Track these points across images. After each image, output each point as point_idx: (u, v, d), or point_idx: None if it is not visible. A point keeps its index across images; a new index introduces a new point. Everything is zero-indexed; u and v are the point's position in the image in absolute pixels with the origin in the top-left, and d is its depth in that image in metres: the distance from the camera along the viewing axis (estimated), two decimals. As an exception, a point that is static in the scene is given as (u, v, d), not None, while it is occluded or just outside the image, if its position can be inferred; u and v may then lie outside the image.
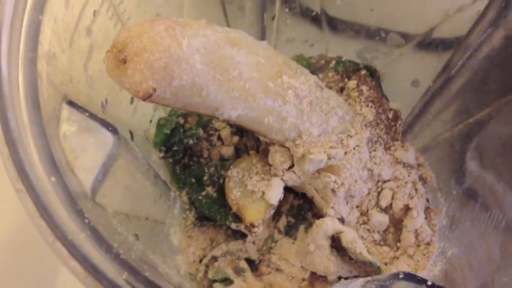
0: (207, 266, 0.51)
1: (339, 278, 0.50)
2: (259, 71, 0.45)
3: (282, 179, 0.50)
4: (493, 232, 0.48)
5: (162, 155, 0.55)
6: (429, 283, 0.35)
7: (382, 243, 0.52)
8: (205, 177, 0.53)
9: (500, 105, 0.45)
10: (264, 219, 0.48)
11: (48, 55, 0.34)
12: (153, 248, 0.41)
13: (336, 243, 0.50)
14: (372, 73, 0.59)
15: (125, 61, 0.38)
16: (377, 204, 0.52)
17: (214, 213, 0.52)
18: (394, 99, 0.57)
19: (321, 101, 0.50)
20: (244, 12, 0.53)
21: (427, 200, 0.54)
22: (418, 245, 0.51)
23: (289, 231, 0.53)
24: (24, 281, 0.58)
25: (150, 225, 0.44)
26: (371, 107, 0.55)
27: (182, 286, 0.44)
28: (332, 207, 0.50)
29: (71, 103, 0.34)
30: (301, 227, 0.53)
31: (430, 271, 0.49)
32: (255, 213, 0.49)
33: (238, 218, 0.51)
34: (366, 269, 0.50)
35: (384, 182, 0.53)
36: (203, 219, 0.54)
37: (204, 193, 0.53)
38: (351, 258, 0.50)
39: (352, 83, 0.57)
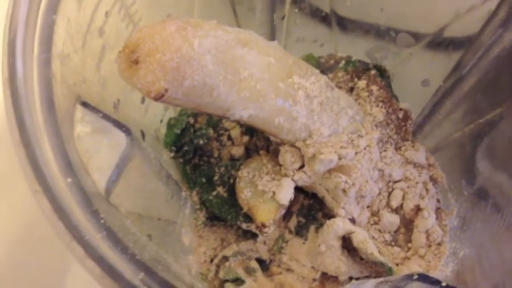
0: (218, 266, 0.51)
1: (350, 278, 0.50)
2: (269, 72, 0.45)
3: (292, 179, 0.50)
4: (505, 234, 0.47)
5: (172, 154, 0.55)
6: (443, 284, 0.35)
7: (393, 243, 0.52)
8: (216, 177, 0.53)
9: (511, 105, 0.45)
10: (274, 219, 0.48)
11: (62, 55, 0.34)
12: (165, 248, 0.41)
13: (346, 244, 0.50)
14: (382, 73, 0.59)
15: (137, 62, 0.38)
16: (388, 205, 0.52)
17: (225, 213, 0.52)
18: (404, 99, 0.57)
19: (332, 101, 0.50)
20: (254, 13, 0.53)
21: (438, 201, 0.54)
22: (429, 246, 0.51)
23: (300, 231, 0.53)
24: (33, 282, 0.58)
25: (162, 225, 0.44)
26: (381, 107, 0.55)
27: (194, 286, 0.44)
28: (343, 208, 0.50)
29: (84, 104, 0.34)
30: (312, 227, 0.53)
31: (441, 272, 0.49)
32: (266, 213, 0.49)
33: (249, 218, 0.50)
34: (377, 269, 0.50)
35: (395, 182, 0.53)
36: (214, 219, 0.54)
37: (214, 193, 0.53)
38: (361, 259, 0.50)
39: (361, 83, 0.57)
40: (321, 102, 0.49)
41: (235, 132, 0.57)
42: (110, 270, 0.28)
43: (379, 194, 0.52)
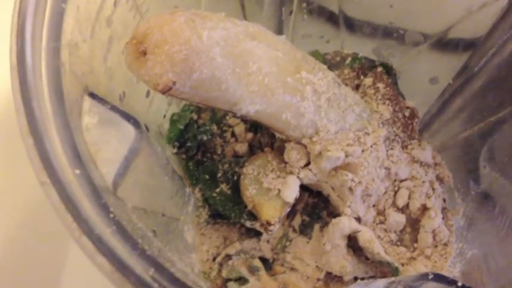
0: (220, 265, 0.50)
1: (355, 278, 0.50)
2: (278, 66, 0.44)
3: (298, 177, 0.49)
4: (510, 235, 0.47)
5: (175, 150, 0.54)
6: (459, 284, 0.35)
7: (398, 243, 0.51)
8: (219, 174, 0.52)
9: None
10: (280, 217, 0.48)
11: (70, 45, 0.33)
12: (169, 245, 0.40)
13: (352, 243, 0.49)
14: (388, 70, 0.58)
15: (144, 53, 0.37)
16: (394, 204, 0.52)
17: (229, 211, 0.51)
18: (410, 97, 0.57)
19: (339, 98, 0.49)
20: (263, 7, 0.52)
21: (444, 200, 0.54)
22: (436, 246, 0.51)
23: (304, 230, 0.52)
24: (28, 279, 0.57)
25: (166, 222, 0.43)
26: (388, 104, 0.54)
27: (198, 284, 0.43)
28: (349, 206, 0.49)
29: (92, 95, 0.33)
30: (316, 226, 0.52)
31: (449, 272, 0.48)
32: (271, 211, 0.48)
33: (253, 216, 0.50)
34: (383, 269, 0.49)
35: (401, 181, 0.52)
36: (216, 216, 0.53)
37: (218, 190, 0.52)
38: (367, 259, 0.49)
39: (368, 80, 0.56)
40: (328, 98, 0.48)
41: (239, 129, 0.56)
42: (120, 266, 0.27)
43: (385, 192, 0.52)
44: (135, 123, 0.35)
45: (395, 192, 0.52)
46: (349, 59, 0.59)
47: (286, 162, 0.50)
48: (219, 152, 0.56)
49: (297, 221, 0.53)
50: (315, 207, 0.53)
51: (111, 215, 0.28)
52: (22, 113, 0.28)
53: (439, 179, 0.54)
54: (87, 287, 0.53)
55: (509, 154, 0.49)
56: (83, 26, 0.34)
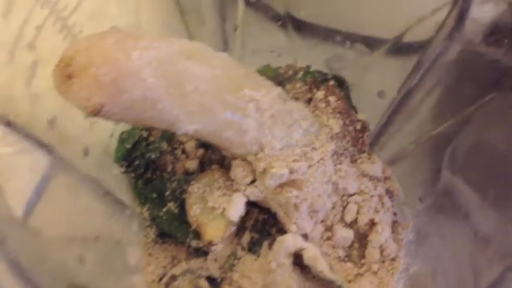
0: (167, 286, 0.50)
1: (303, 296, 0.49)
2: (216, 84, 0.44)
3: (244, 194, 0.49)
4: (463, 244, 0.47)
5: (123, 169, 0.54)
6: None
7: (346, 259, 0.50)
8: (168, 192, 0.52)
9: (463, 118, 0.44)
10: (223, 237, 0.47)
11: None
12: (104, 269, 0.39)
13: (299, 261, 0.49)
14: (341, 83, 0.58)
15: (71, 76, 0.37)
16: (342, 219, 0.51)
17: (175, 230, 0.50)
18: (362, 110, 0.56)
19: (284, 114, 0.49)
20: (204, 23, 0.52)
21: (395, 214, 0.53)
22: (383, 261, 0.50)
23: (253, 247, 0.52)
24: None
25: (102, 246, 0.42)
26: (338, 118, 0.54)
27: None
28: (295, 223, 0.49)
29: (8, 123, 0.33)
30: (265, 243, 0.51)
31: (394, 289, 0.48)
32: (215, 230, 0.47)
33: (199, 235, 0.49)
34: (330, 287, 0.49)
35: (350, 195, 0.52)
36: (164, 236, 0.52)
37: (165, 209, 0.51)
38: (314, 276, 0.49)
39: (320, 94, 0.55)
40: (272, 115, 0.48)
41: (190, 146, 0.56)
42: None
43: (333, 208, 0.51)
44: (49, 150, 0.35)
45: (344, 208, 0.51)
46: (302, 72, 0.59)
47: (233, 180, 0.49)
48: (169, 169, 0.55)
49: (246, 238, 0.52)
50: (264, 223, 0.53)
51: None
52: None
53: (389, 192, 0.54)
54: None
55: (466, 160, 0.49)
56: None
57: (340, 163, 0.52)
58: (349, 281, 0.49)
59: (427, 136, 0.49)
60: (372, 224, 0.51)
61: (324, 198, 0.49)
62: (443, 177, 0.49)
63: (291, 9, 0.56)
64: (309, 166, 0.48)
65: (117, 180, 0.51)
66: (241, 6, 0.53)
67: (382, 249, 0.50)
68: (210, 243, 0.46)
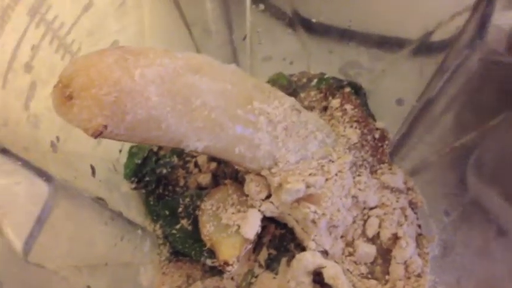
0: (181, 306, 0.48)
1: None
2: (226, 98, 0.42)
3: (259, 210, 0.47)
4: (496, 240, 0.44)
5: (133, 186, 0.52)
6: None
7: (369, 276, 0.48)
8: (180, 209, 0.50)
9: (486, 130, 0.41)
10: (239, 256, 0.45)
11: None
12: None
13: (319, 278, 0.46)
14: (357, 90, 0.55)
15: (71, 97, 0.35)
16: (363, 234, 0.49)
17: (189, 249, 0.49)
18: (381, 118, 0.54)
19: (298, 126, 0.47)
20: (211, 35, 0.50)
21: (419, 226, 0.50)
22: (409, 278, 0.47)
23: (271, 264, 0.50)
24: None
25: (111, 271, 0.41)
26: (355, 127, 0.51)
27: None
28: (313, 240, 0.47)
29: (3, 151, 0.31)
30: (283, 260, 0.49)
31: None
32: (230, 249, 0.45)
33: (214, 254, 0.47)
34: (352, 305, 0.46)
35: (370, 209, 0.49)
36: (179, 253, 0.50)
37: (178, 226, 0.49)
38: (335, 294, 0.46)
39: (335, 102, 0.53)
40: (285, 127, 0.46)
41: (202, 159, 0.54)
42: None
43: (354, 222, 0.49)
44: (49, 178, 0.33)
45: (365, 222, 0.49)
46: (316, 79, 0.56)
47: (247, 195, 0.47)
48: (181, 184, 0.53)
49: (263, 255, 0.50)
50: (282, 239, 0.51)
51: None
52: None
53: (412, 204, 0.51)
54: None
55: (493, 167, 0.46)
56: (-11, 79, 0.32)
57: (359, 175, 0.49)
58: (373, 300, 0.46)
59: (450, 147, 0.46)
60: (396, 238, 0.48)
61: (343, 213, 0.47)
62: (471, 187, 0.46)
63: (301, 11, 0.54)
64: (327, 179, 0.46)
65: (125, 198, 0.49)
66: (248, 14, 0.51)
67: (407, 265, 0.47)
68: (226, 263, 0.44)
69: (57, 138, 0.39)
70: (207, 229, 0.46)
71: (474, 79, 0.41)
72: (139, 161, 0.52)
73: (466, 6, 0.40)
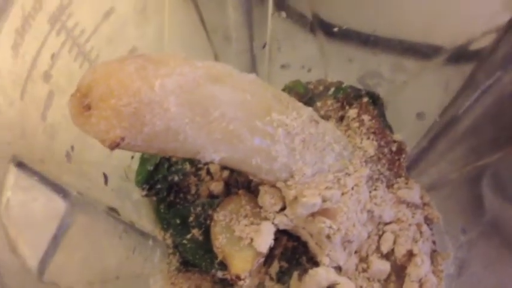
0: (190, 319, 0.47)
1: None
2: (245, 110, 0.41)
3: (272, 223, 0.46)
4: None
5: (144, 193, 0.51)
6: None
7: (382, 293, 0.47)
8: (191, 218, 0.49)
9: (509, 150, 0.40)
10: (251, 269, 0.44)
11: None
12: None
13: (332, 294, 0.46)
14: (375, 100, 0.54)
15: (89, 107, 0.34)
16: (378, 249, 0.48)
17: (199, 260, 0.48)
18: (398, 130, 0.53)
19: (316, 138, 0.46)
20: (231, 42, 0.49)
21: (434, 243, 0.50)
22: (423, 296, 0.47)
23: (282, 277, 0.49)
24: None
25: (122, 284, 0.40)
26: (372, 139, 0.50)
27: None
28: (327, 255, 0.46)
29: (20, 165, 0.30)
30: (295, 274, 0.48)
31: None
32: (242, 263, 0.44)
33: (225, 266, 0.46)
34: (365, 323, 0.46)
35: (386, 224, 0.49)
36: (188, 264, 0.49)
37: (189, 236, 0.49)
38: (348, 312, 0.46)
39: (353, 112, 0.52)
40: (303, 139, 0.45)
41: (215, 167, 0.53)
42: None
43: (369, 237, 0.48)
44: (65, 194, 0.32)
45: (380, 237, 0.48)
46: (333, 88, 0.55)
47: (260, 207, 0.47)
48: (193, 191, 0.52)
49: (275, 268, 0.49)
50: (294, 251, 0.50)
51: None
52: None
53: (428, 220, 0.50)
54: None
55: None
56: (8, 90, 0.31)
57: (375, 189, 0.49)
58: (386, 319, 0.46)
59: (472, 166, 0.45)
60: (410, 254, 0.47)
61: (358, 228, 0.46)
62: (489, 205, 0.45)
63: (323, 16, 0.52)
64: (343, 194, 0.45)
65: (137, 205, 0.48)
66: (270, 22, 0.49)
67: (421, 283, 0.46)
68: (238, 277, 0.43)
69: (72, 148, 0.37)
70: (220, 241, 0.46)
71: (504, 101, 0.40)
72: (151, 168, 0.51)
73: (498, 26, 0.39)
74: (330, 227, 0.44)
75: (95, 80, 0.34)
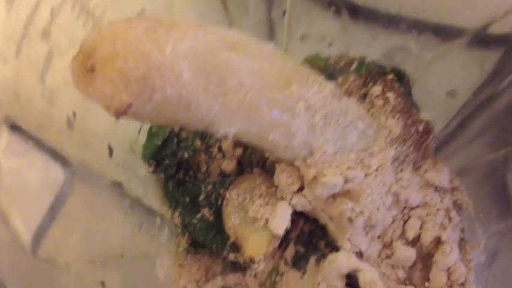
0: (199, 304, 0.45)
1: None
2: (263, 79, 0.37)
3: (289, 204, 0.43)
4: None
5: (152, 169, 0.48)
6: None
7: (407, 282, 0.44)
8: (202, 197, 0.46)
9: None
10: (266, 253, 0.41)
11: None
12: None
13: (352, 281, 0.43)
14: (401, 77, 0.51)
15: (93, 70, 0.31)
16: (403, 235, 0.45)
17: (210, 241, 0.45)
18: (426, 109, 0.49)
19: (338, 114, 0.42)
20: (248, 9, 0.45)
21: (462, 230, 0.46)
22: (451, 286, 0.43)
23: (298, 262, 0.46)
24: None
25: (127, 263, 0.37)
26: (398, 118, 0.47)
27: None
28: (348, 239, 0.43)
29: (14, 128, 0.27)
30: (312, 259, 0.46)
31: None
32: (256, 245, 0.42)
33: (237, 247, 0.43)
34: (388, 314, 0.43)
35: (412, 208, 0.45)
36: (198, 245, 0.47)
37: (198, 216, 0.46)
38: (370, 301, 0.42)
39: (376, 89, 0.49)
40: (325, 115, 0.41)
41: (227, 144, 0.50)
42: None
43: (393, 222, 0.45)
44: (65, 162, 0.29)
45: (405, 222, 0.45)
46: (356, 64, 0.52)
47: (276, 187, 0.43)
48: (203, 169, 0.49)
49: (290, 252, 0.46)
50: (311, 235, 0.47)
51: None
52: None
53: (457, 206, 0.47)
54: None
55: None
56: (0, 46, 0.28)
57: (401, 171, 0.45)
58: (410, 309, 0.43)
59: (508, 149, 0.41)
60: (438, 242, 0.44)
61: (382, 212, 0.43)
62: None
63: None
64: (366, 175, 0.42)
65: (143, 182, 0.45)
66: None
67: (449, 273, 0.43)
68: (251, 261, 0.41)
69: (74, 114, 0.34)
70: (232, 221, 0.43)
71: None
72: (159, 142, 0.48)
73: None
74: (353, 210, 0.41)
75: (99, 39, 0.32)
